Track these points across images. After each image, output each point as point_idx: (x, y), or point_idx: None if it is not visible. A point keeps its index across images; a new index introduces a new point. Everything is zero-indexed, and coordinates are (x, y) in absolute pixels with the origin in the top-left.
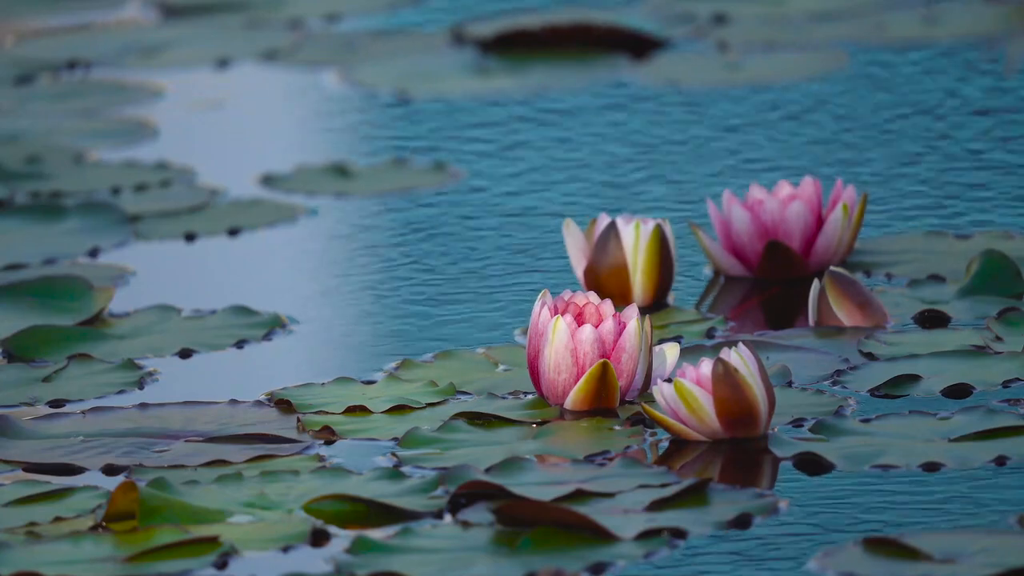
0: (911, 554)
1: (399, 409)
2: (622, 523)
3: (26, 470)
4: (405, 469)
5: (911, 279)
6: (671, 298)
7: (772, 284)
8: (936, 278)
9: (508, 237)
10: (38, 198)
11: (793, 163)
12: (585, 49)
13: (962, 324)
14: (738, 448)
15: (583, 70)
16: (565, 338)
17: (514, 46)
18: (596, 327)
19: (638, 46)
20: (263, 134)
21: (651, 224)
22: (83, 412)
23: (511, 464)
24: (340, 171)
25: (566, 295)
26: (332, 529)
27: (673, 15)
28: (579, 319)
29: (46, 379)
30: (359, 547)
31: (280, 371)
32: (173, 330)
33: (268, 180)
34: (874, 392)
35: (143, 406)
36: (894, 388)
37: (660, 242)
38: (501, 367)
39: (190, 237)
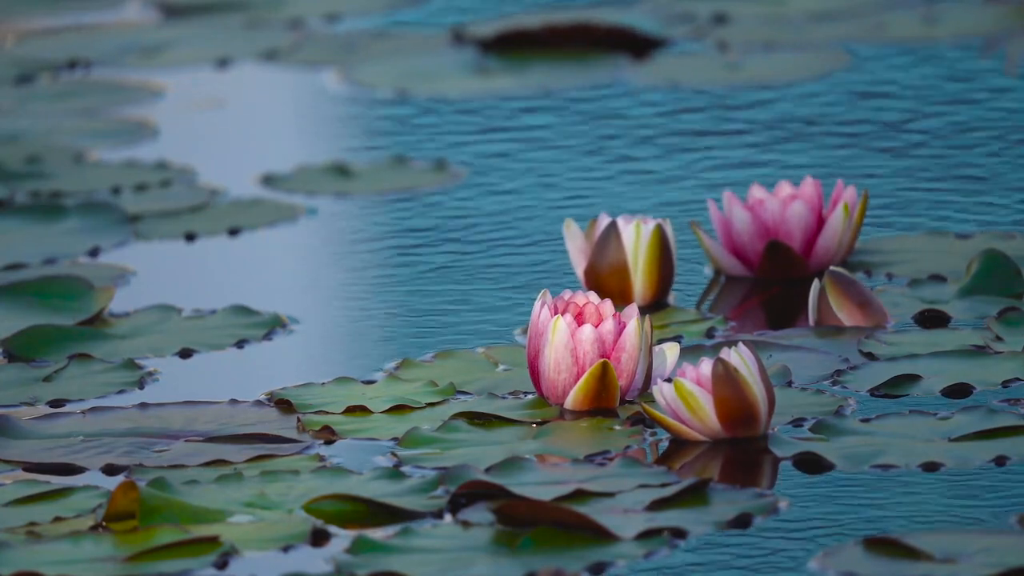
0: (911, 554)
1: (399, 409)
2: (622, 523)
3: (26, 470)
4: (405, 469)
5: (911, 279)
6: (671, 298)
7: (772, 284)
8: (936, 278)
9: (508, 237)
10: (38, 198)
11: (794, 163)
12: (585, 49)
13: (962, 324)
14: (738, 448)
15: (583, 70)
16: (565, 338)
17: (514, 46)
18: (596, 327)
19: (638, 46)
20: (263, 134)
21: (652, 224)
22: (83, 412)
23: (511, 464)
24: (340, 171)
25: (566, 295)
26: (332, 529)
27: (673, 15)
28: (579, 319)
29: (46, 379)
30: (359, 547)
31: (280, 371)
32: (173, 330)
33: (268, 180)
34: (874, 392)
35: (143, 406)
36: (894, 388)
37: (661, 242)
38: (501, 367)
39: (190, 237)
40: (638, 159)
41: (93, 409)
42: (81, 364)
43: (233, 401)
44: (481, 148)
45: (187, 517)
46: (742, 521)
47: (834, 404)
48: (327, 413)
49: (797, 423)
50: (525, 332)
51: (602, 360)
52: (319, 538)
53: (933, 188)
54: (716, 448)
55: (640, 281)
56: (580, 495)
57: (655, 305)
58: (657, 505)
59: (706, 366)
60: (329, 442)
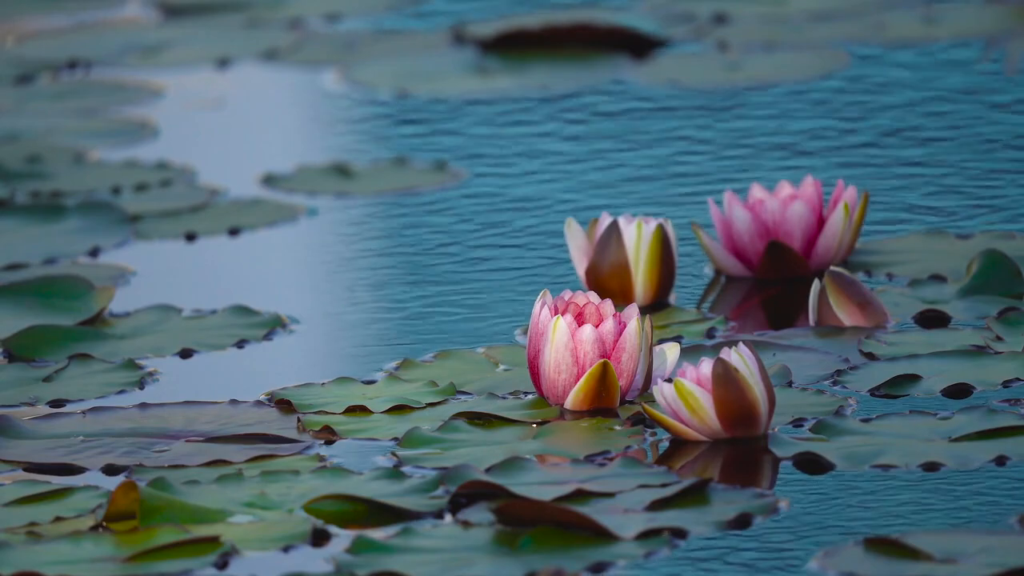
0: (911, 554)
1: (399, 409)
2: (622, 523)
3: (26, 470)
4: (405, 469)
5: (912, 279)
6: (672, 298)
7: (773, 284)
8: (937, 278)
9: (509, 236)
10: (38, 198)
11: (794, 163)
12: (585, 49)
13: (962, 324)
14: (738, 448)
15: (583, 70)
16: (565, 338)
17: (514, 46)
18: (596, 327)
19: (638, 46)
20: (263, 134)
21: (653, 224)
22: (83, 412)
23: (511, 464)
24: (340, 171)
25: (566, 295)
26: (332, 529)
27: (673, 15)
28: (579, 319)
29: (46, 379)
30: (359, 547)
31: (280, 371)
32: (173, 330)
33: (269, 180)
34: (874, 392)
35: (143, 406)
36: (894, 388)
37: (662, 242)
38: (501, 367)
39: (190, 237)
40: (639, 159)
41: (93, 409)
42: (81, 364)
43: (233, 401)
44: (481, 148)
45: (187, 517)
46: (742, 521)
47: (834, 404)
48: (327, 413)
49: (797, 423)
50: (525, 332)
51: (602, 360)
52: (319, 538)
53: (934, 187)
54: (716, 448)
55: (641, 281)
56: (580, 495)
57: (656, 305)
58: (657, 505)
59: (706, 366)
60: (329, 442)
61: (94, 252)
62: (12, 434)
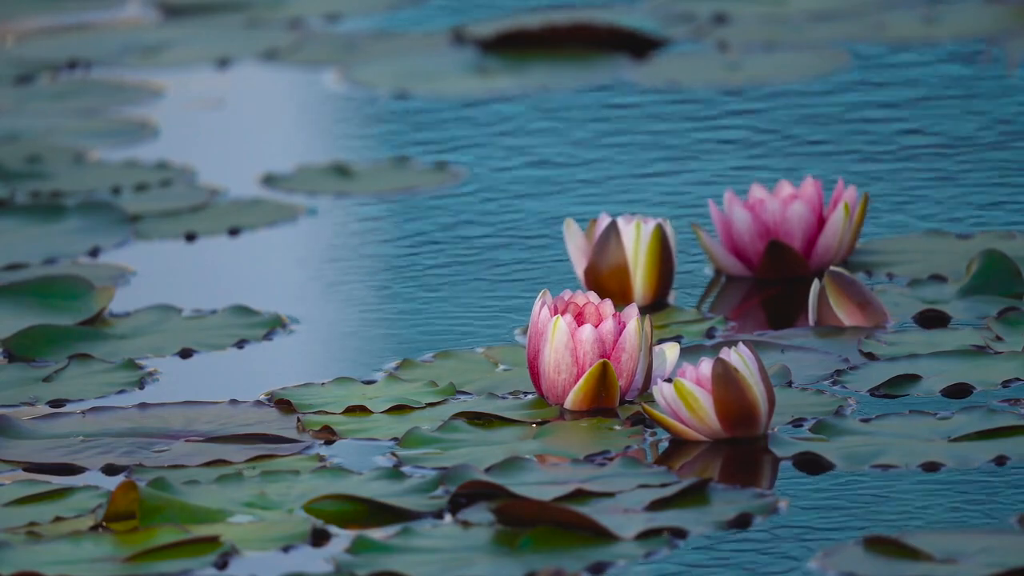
0: (911, 554)
1: (399, 409)
2: (622, 523)
3: (26, 470)
4: (405, 469)
5: (911, 279)
6: (672, 298)
7: (773, 284)
8: (936, 278)
9: (508, 237)
10: (38, 198)
11: (794, 163)
12: (585, 49)
13: (962, 324)
14: (738, 448)
15: (583, 70)
16: (565, 338)
17: (514, 46)
18: (596, 327)
19: (638, 46)
20: (263, 134)
21: (652, 224)
22: (83, 412)
23: (511, 464)
24: (340, 171)
25: (566, 295)
26: (332, 529)
27: (673, 15)
28: (579, 319)
29: (46, 379)
30: (359, 547)
31: (280, 371)
32: (173, 330)
33: (269, 180)
34: (874, 392)
35: (143, 406)
36: (894, 388)
37: (661, 242)
38: (501, 367)
39: (190, 237)
40: (638, 159)
41: (93, 409)
42: (81, 364)
43: (233, 401)
44: (481, 148)
45: (187, 517)
46: (742, 521)
47: (834, 404)
48: (327, 413)
49: (797, 423)
50: (525, 332)
51: (602, 360)
52: (319, 538)
53: (934, 187)
54: (716, 448)
55: (640, 281)
56: (580, 495)
57: (655, 305)
58: (657, 505)
59: (706, 366)
60: (329, 442)
61: (94, 252)
62: (12, 434)
